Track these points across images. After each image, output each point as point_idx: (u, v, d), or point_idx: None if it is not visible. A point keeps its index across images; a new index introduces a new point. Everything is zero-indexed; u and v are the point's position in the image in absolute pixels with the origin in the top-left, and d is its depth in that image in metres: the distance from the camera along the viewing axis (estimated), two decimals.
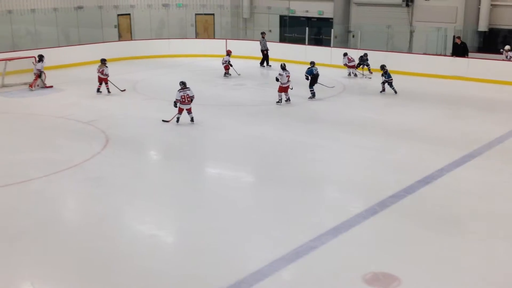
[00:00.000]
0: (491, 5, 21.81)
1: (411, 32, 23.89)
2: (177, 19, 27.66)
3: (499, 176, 10.40)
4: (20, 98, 16.69)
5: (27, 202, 9.19)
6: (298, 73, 17.07)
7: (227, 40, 24.86)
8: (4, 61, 18.17)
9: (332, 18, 25.76)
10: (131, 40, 26.19)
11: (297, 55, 22.20)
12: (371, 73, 20.31)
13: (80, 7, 24.67)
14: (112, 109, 15.37)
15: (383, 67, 17.26)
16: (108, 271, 7.07)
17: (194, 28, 28.10)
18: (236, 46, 23.56)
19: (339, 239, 7.81)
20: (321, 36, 26.18)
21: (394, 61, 20.27)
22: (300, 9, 27.07)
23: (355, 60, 20.33)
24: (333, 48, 22.59)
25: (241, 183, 10.25)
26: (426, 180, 10.00)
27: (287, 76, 15.52)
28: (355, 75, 20.32)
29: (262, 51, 22.37)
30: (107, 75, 16.85)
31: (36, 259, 7.36)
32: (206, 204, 9.13)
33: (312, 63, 16.77)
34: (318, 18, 26.80)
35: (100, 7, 25.28)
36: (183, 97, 13.39)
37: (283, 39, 27.11)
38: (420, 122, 14.16)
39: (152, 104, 16.07)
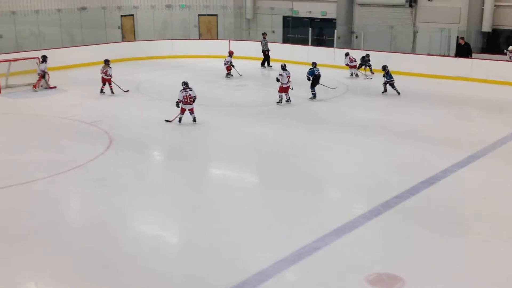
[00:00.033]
0: (495, 5, 21.76)
1: (415, 33, 23.85)
2: (180, 20, 27.68)
3: (503, 177, 10.37)
4: (23, 99, 16.72)
5: (31, 203, 9.20)
6: (300, 74, 17.06)
7: (230, 41, 24.86)
8: (8, 62, 18.21)
9: (335, 19, 25.75)
10: (135, 41, 26.22)
11: (300, 56, 22.17)
12: (373, 73, 20.28)
13: (84, 8, 24.71)
14: (116, 110, 15.39)
15: (384, 67, 17.23)
16: (111, 271, 7.07)
17: (197, 29, 28.11)
18: (239, 46, 23.57)
19: (342, 240, 7.80)
20: (324, 37, 26.15)
21: (398, 61, 20.25)
22: (303, 10, 27.06)
23: (356, 60, 20.32)
24: (336, 49, 22.57)
25: (243, 183, 10.25)
26: (430, 181, 9.97)
27: (287, 76, 15.55)
28: (357, 75, 20.30)
29: (263, 51, 22.37)
30: (110, 75, 16.88)
31: (40, 259, 7.36)
32: (209, 204, 9.13)
33: (314, 64, 16.76)
34: (321, 19, 26.78)
35: (104, 8, 25.32)
36: (185, 97, 13.42)
37: (286, 40, 27.10)
38: (424, 123, 14.13)
39: (155, 104, 16.09)
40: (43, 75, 17.70)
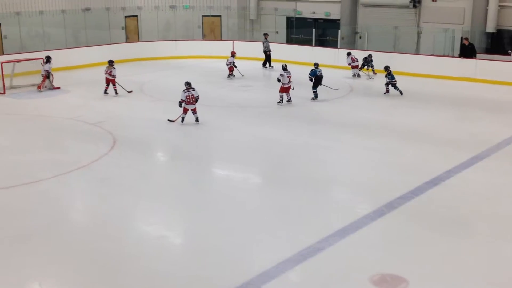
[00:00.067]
0: (499, 6, 21.69)
1: (419, 33, 23.80)
2: (184, 20, 27.70)
3: (507, 178, 10.34)
4: (28, 100, 16.78)
5: (35, 203, 9.22)
6: (303, 75, 17.06)
7: (234, 41, 24.87)
8: (12, 63, 18.28)
9: (339, 20, 25.72)
10: (138, 41, 26.26)
11: (304, 57, 22.15)
12: (375, 73, 20.26)
13: (88, 9, 24.77)
14: (120, 111, 15.42)
15: (386, 68, 17.21)
16: (114, 272, 7.08)
17: (201, 29, 28.12)
18: (243, 47, 23.58)
19: (346, 241, 7.79)
20: (328, 38, 26.13)
21: (402, 62, 20.23)
22: (307, 11, 27.03)
23: (358, 60, 20.31)
24: (340, 50, 22.54)
25: (247, 184, 10.25)
26: (434, 182, 9.95)
27: (288, 76, 15.61)
28: (358, 75, 20.28)
29: (265, 52, 22.37)
30: (114, 76, 16.92)
31: (44, 259, 7.38)
32: (213, 205, 9.13)
33: (316, 65, 16.76)
34: (325, 20, 26.76)
35: (108, 9, 25.37)
36: (187, 97, 13.48)
37: (290, 41, 27.08)
38: (428, 124, 14.10)
39: (159, 105, 16.11)
40: (47, 75, 17.77)
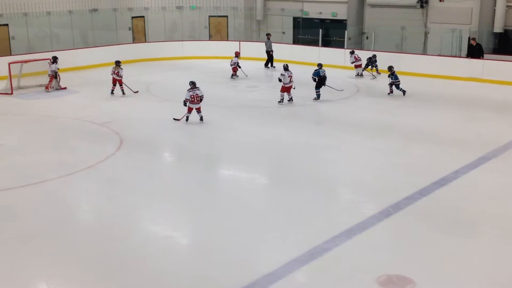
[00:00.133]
0: (507, 6, 21.58)
1: (426, 34, 23.72)
2: (190, 21, 27.74)
3: None
4: (35, 100, 16.85)
5: (42, 203, 9.26)
6: (307, 75, 17.05)
7: (240, 42, 24.88)
8: (20, 63, 18.36)
9: (345, 20, 25.67)
10: (145, 42, 26.33)
11: (310, 57, 22.12)
12: (379, 73, 20.20)
13: (95, 10, 24.86)
14: (126, 111, 15.47)
15: (390, 68, 17.14)
16: (121, 272, 7.10)
17: (207, 30, 28.15)
18: (249, 48, 23.58)
19: (353, 241, 7.78)
20: (334, 38, 26.09)
21: (409, 62, 20.17)
22: (314, 11, 27.00)
23: (361, 59, 20.27)
24: (346, 50, 22.49)
25: (253, 184, 10.25)
26: (441, 182, 9.92)
27: (289, 76, 15.68)
28: (361, 75, 20.24)
29: (267, 52, 22.38)
30: (121, 76, 16.98)
31: (51, 259, 7.41)
32: (219, 205, 9.14)
33: (320, 65, 16.76)
34: (331, 20, 26.73)
35: (115, 9, 25.45)
36: (192, 96, 13.59)
37: (296, 41, 27.06)
38: (435, 124, 14.05)
39: (165, 106, 16.14)
40: (54, 75, 17.84)
